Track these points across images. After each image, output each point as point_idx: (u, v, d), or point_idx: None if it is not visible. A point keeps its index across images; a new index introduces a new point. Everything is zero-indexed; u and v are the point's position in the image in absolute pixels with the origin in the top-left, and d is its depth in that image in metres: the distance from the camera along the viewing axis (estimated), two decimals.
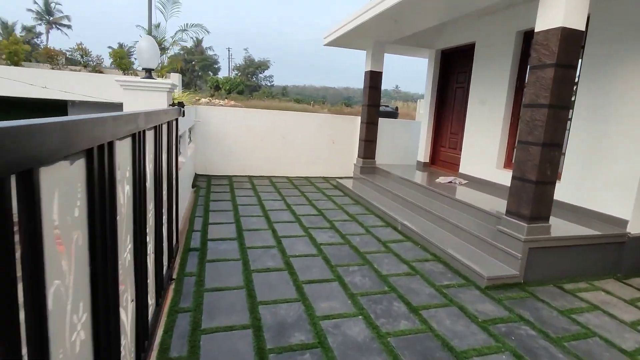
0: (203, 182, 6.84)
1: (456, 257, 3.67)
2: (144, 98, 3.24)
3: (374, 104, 7.07)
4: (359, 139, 7.47)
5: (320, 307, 2.80)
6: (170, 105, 3.47)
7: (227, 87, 39.37)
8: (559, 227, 3.68)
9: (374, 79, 6.94)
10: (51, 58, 8.96)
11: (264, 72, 55.08)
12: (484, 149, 5.71)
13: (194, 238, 4.08)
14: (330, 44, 7.27)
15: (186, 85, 50.77)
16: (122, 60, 8.02)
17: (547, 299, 3.19)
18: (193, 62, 55.79)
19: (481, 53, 5.85)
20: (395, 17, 5.12)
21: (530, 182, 3.32)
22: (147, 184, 2.05)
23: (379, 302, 2.93)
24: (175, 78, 7.44)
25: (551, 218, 3.49)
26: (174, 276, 3.21)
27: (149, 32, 7.83)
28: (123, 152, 1.46)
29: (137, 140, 1.64)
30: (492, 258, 3.64)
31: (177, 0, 7.78)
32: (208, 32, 8.26)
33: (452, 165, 6.68)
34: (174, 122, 3.30)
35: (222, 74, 54.53)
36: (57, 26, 48.45)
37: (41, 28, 47.33)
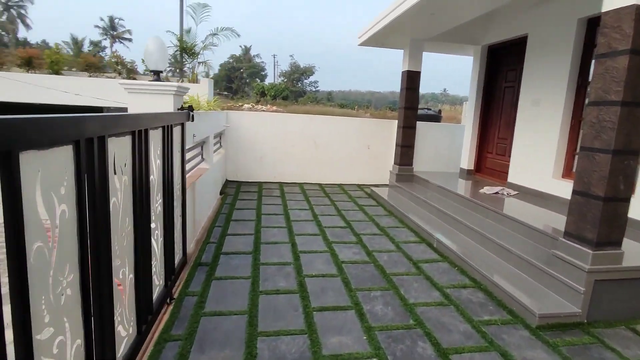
0: (232, 189, 6.67)
1: (501, 286, 3.09)
2: (148, 101, 3.03)
3: (411, 106, 6.52)
4: (395, 145, 6.94)
5: (329, 342, 2.38)
6: (179, 109, 3.24)
7: (272, 93, 40.05)
8: (635, 254, 2.98)
9: (411, 79, 6.40)
10: (89, 66, 9.44)
11: (309, 77, 55.64)
12: (537, 156, 4.98)
13: (207, 251, 3.82)
14: (365, 43, 6.84)
15: (234, 92, 52.59)
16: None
17: (618, 346, 2.53)
18: (241, 70, 57.69)
19: (535, 46, 5.13)
20: (432, 10, 4.59)
21: (597, 198, 2.68)
22: (118, 196, 1.76)
23: (400, 340, 2.46)
24: (205, 83, 7.37)
25: (624, 241, 2.81)
26: (175, 295, 2.95)
27: (181, 37, 7.92)
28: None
29: (79, 149, 1.34)
30: (546, 289, 3.01)
31: (206, 4, 7.77)
32: (238, 35, 8.21)
33: (500, 174, 5.96)
34: (180, 127, 3.06)
35: (269, 80, 55.82)
36: (120, 40, 52.33)
37: (106, 42, 51.34)
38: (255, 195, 6.33)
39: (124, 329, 1.94)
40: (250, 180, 7.41)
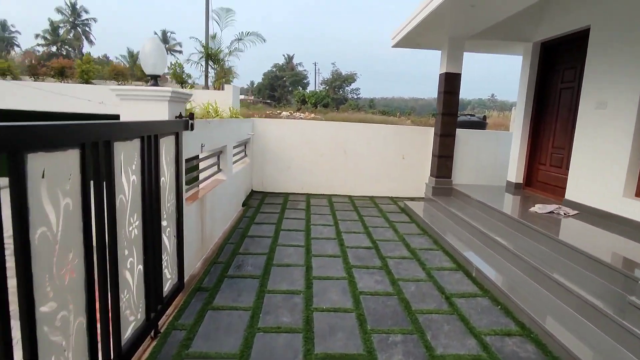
0: (256, 200, 6.35)
1: (556, 336, 2.43)
2: (141, 108, 2.73)
3: (450, 112, 5.87)
4: (432, 155, 6.30)
5: None
6: (177, 117, 2.92)
7: (313, 101, 40.13)
8: None
9: (450, 82, 5.76)
10: (117, 75, 9.68)
11: (350, 85, 55.33)
12: (604, 169, 4.18)
13: (212, 272, 3.47)
14: (398, 44, 6.30)
15: (277, 100, 53.46)
16: (176, 74, 8.18)
17: None
18: (284, 78, 58.64)
19: (599, 40, 4.35)
20: (472, 1, 4.00)
21: None
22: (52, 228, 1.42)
23: None
24: (229, 90, 7.16)
25: None
26: (164, 327, 2.60)
27: (206, 44, 7.83)
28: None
29: None
30: (618, 346, 2.32)
31: (230, 8, 7.61)
32: (264, 40, 7.98)
33: (555, 189, 5.15)
34: (173, 137, 2.73)
35: (311, 88, 56.25)
36: (171, 52, 55.25)
37: None
38: (279, 207, 5.96)
39: None
40: (276, 191, 7.08)
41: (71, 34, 52.23)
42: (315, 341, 2.46)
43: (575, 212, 4.34)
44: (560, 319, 2.67)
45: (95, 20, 55.52)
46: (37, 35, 49.56)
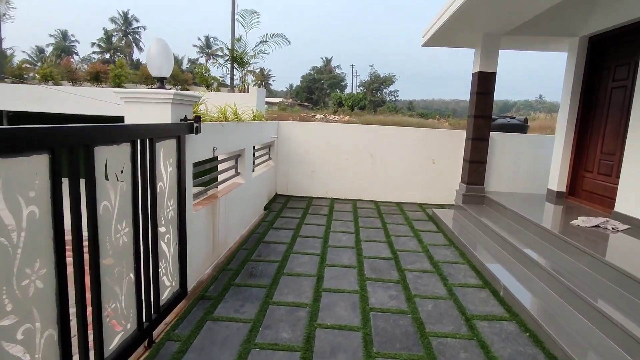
0: (279, 204, 6.25)
1: None
2: (144, 111, 2.67)
3: (483, 114, 5.45)
4: (463, 160, 5.89)
5: None
6: (181, 120, 2.84)
7: (349, 103, 39.92)
8: None
9: (483, 82, 5.35)
10: (147, 79, 9.96)
11: (388, 87, 54.58)
12: None
13: (219, 280, 3.37)
14: (429, 42, 5.96)
15: (315, 103, 53.73)
16: (202, 77, 8.27)
17: None
18: (322, 81, 58.90)
19: None
20: None
21: None
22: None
23: None
24: (254, 92, 7.12)
25: None
26: (159, 337, 2.51)
27: (232, 46, 7.87)
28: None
29: None
30: None
31: (255, 10, 7.59)
32: (289, 41, 7.89)
33: (603, 200, 4.61)
34: (175, 140, 2.65)
35: (348, 90, 56.08)
36: (214, 57, 57.23)
37: (202, 59, 56.50)
38: (300, 212, 5.81)
39: None
40: (300, 195, 6.94)
41: (122, 42, 55.51)
42: None
43: (626, 226, 3.83)
44: (601, 354, 2.30)
45: (144, 28, 58.67)
46: (93, 44, 53.14)
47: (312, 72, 61.52)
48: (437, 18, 5.13)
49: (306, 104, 53.37)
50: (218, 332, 2.56)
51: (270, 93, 61.05)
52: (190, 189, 3.08)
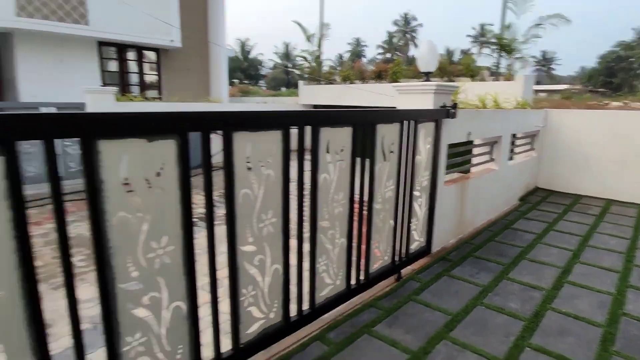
0: (537, 197, 5.90)
1: None
2: (411, 99, 3.41)
3: None
4: None
5: None
6: (441, 106, 3.43)
7: None
8: None
9: None
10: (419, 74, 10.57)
11: None
12: None
13: (460, 250, 3.82)
14: None
15: (615, 88, 42.42)
16: (469, 67, 8.12)
17: None
18: (631, 59, 45.56)
19: None
20: None
21: None
22: (330, 173, 2.32)
23: None
24: (520, 80, 6.70)
25: None
26: (405, 276, 3.25)
27: (501, 35, 7.42)
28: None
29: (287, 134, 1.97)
30: None
31: None
32: (569, 20, 6.62)
33: None
34: (433, 123, 3.25)
35: None
36: (487, 45, 54.55)
37: (474, 49, 55.19)
38: (562, 208, 5.31)
39: (329, 278, 2.50)
40: (566, 192, 6.21)
41: (401, 42, 61.27)
42: (535, 332, 2.42)
43: None
44: None
45: (421, 25, 62.38)
46: (377, 46, 61.45)
47: (617, 48, 48.40)
48: None
49: (602, 90, 42.77)
50: (452, 285, 3.06)
51: (552, 79, 52.48)
52: (444, 166, 3.63)
